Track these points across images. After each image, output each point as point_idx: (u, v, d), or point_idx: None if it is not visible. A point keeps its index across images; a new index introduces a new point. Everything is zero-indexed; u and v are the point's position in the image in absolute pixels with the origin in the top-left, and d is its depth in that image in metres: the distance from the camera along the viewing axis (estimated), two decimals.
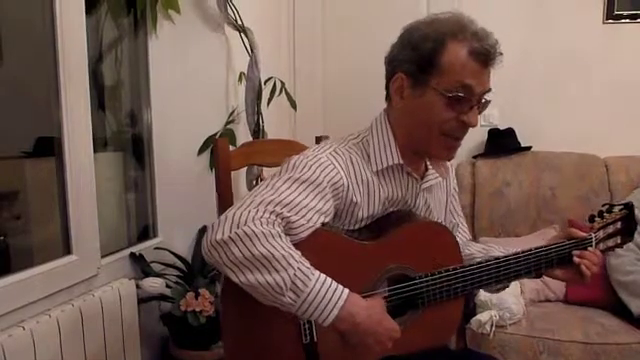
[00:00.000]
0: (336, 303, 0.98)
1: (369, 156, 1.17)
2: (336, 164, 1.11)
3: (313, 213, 1.05)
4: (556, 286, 2.29)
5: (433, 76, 1.08)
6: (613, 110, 2.72)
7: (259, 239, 0.96)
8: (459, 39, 1.07)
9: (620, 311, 2.13)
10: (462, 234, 1.42)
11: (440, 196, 1.33)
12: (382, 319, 1.04)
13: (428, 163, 1.25)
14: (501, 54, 1.10)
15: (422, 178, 1.23)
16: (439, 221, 1.30)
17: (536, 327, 2.05)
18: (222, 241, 0.97)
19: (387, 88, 1.18)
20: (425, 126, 1.12)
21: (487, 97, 1.13)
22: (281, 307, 0.99)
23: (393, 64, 1.15)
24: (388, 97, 1.19)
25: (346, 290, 1.00)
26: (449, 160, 1.22)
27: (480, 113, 1.13)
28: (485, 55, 1.08)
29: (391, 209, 1.20)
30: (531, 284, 2.27)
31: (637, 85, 2.69)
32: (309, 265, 0.99)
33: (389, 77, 1.16)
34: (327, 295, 0.97)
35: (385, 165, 1.16)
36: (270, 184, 1.06)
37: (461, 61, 1.07)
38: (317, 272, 0.99)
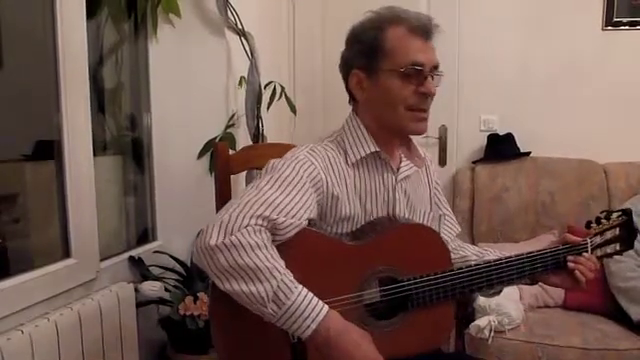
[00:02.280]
0: (314, 318, 0.99)
1: (345, 151, 1.21)
2: (313, 160, 1.14)
3: (298, 209, 1.07)
4: (555, 292, 2.29)
5: (382, 60, 1.16)
6: (612, 116, 2.72)
7: (245, 250, 0.99)
8: (396, 22, 1.16)
9: (619, 317, 2.13)
10: (449, 226, 1.42)
11: (422, 189, 1.35)
12: (360, 342, 1.03)
13: (402, 156, 1.28)
14: (437, 26, 1.17)
15: (397, 170, 1.26)
16: (424, 214, 1.32)
17: (535, 333, 2.05)
18: (210, 248, 1.00)
19: (348, 91, 1.25)
20: (391, 107, 1.17)
21: (438, 71, 1.18)
22: (263, 317, 1.01)
23: (346, 66, 1.23)
24: (351, 98, 1.26)
25: (326, 307, 1.01)
26: (422, 133, 1.24)
27: (437, 85, 1.18)
28: (422, 29, 1.16)
29: (370, 206, 1.21)
30: (530, 290, 2.27)
31: (636, 91, 2.69)
32: (292, 278, 1.01)
33: (346, 79, 1.24)
34: (307, 309, 0.99)
35: (363, 154, 1.20)
36: (255, 185, 1.10)
37: (402, 39, 1.15)
38: (300, 286, 1.00)
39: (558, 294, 2.30)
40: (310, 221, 1.11)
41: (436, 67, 1.17)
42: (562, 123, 2.76)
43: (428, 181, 1.38)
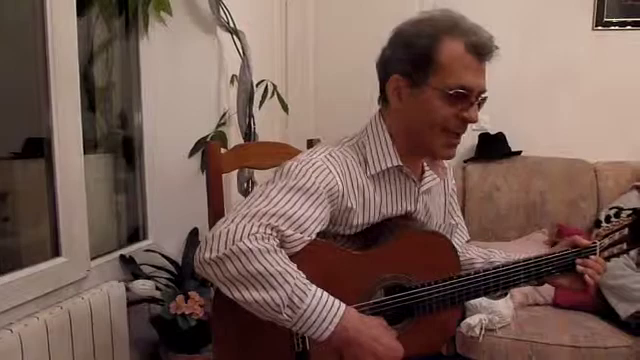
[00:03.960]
0: (332, 319, 0.96)
1: (366, 159, 1.14)
2: (332, 168, 1.08)
3: (310, 223, 1.02)
4: (545, 290, 2.31)
5: (431, 74, 1.06)
6: (602, 116, 2.74)
7: (255, 255, 0.95)
8: (454, 34, 1.06)
9: (608, 315, 2.15)
10: (461, 235, 1.39)
11: (439, 198, 1.31)
12: (380, 336, 1.01)
13: (425, 165, 1.23)
14: (497, 48, 1.08)
15: (420, 181, 1.21)
16: (439, 224, 1.28)
17: (525, 331, 2.06)
18: (217, 258, 0.95)
19: (382, 91, 1.16)
20: (427, 125, 1.10)
21: (484, 95, 1.12)
22: (277, 323, 0.98)
23: (387, 66, 1.13)
24: (384, 100, 1.16)
25: (343, 305, 0.98)
26: (451, 158, 1.19)
27: (479, 109, 1.11)
28: (482, 48, 1.06)
29: (389, 216, 1.18)
30: (520, 288, 2.27)
31: (626, 91, 2.71)
32: (305, 280, 0.97)
33: (384, 80, 1.14)
34: (323, 311, 0.96)
35: (384, 167, 1.13)
36: (264, 193, 1.03)
37: (458, 57, 1.05)
38: (314, 287, 0.97)
39: (548, 292, 2.32)
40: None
41: (482, 92, 1.10)
42: (553, 123, 2.78)
43: (445, 188, 1.34)
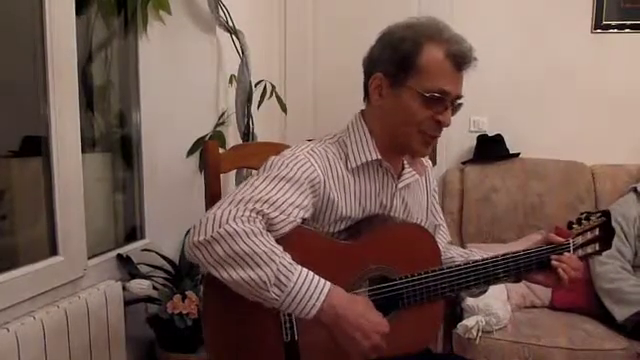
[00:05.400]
0: (318, 296, 0.99)
1: (346, 155, 1.20)
2: (313, 161, 1.13)
3: (293, 208, 1.07)
4: (542, 292, 2.31)
5: (411, 76, 1.13)
6: (601, 118, 2.75)
7: (241, 237, 0.99)
8: (436, 41, 1.12)
9: (604, 318, 2.16)
10: (443, 236, 1.43)
11: (420, 196, 1.35)
12: (366, 312, 1.04)
13: (405, 162, 1.28)
14: (475, 59, 1.15)
15: (399, 177, 1.26)
16: (420, 222, 1.32)
17: (522, 333, 2.06)
18: (205, 241, 1.00)
19: (365, 87, 1.22)
20: (404, 124, 1.16)
21: (459, 101, 1.17)
22: (265, 303, 1.01)
23: (372, 64, 1.19)
24: (367, 96, 1.23)
25: (328, 283, 1.02)
26: (426, 155, 1.26)
27: (453, 114, 1.17)
28: (461, 58, 1.13)
29: (369, 209, 1.22)
30: (517, 290, 2.29)
31: (624, 94, 2.72)
32: (291, 260, 1.01)
33: (368, 76, 1.20)
34: (310, 288, 0.99)
35: (364, 160, 1.19)
36: (249, 183, 1.09)
37: (438, 63, 1.11)
38: (299, 266, 1.01)
39: (545, 294, 2.32)
40: (304, 221, 1.11)
41: (458, 97, 1.16)
42: (551, 125, 2.79)
43: (426, 188, 1.38)
